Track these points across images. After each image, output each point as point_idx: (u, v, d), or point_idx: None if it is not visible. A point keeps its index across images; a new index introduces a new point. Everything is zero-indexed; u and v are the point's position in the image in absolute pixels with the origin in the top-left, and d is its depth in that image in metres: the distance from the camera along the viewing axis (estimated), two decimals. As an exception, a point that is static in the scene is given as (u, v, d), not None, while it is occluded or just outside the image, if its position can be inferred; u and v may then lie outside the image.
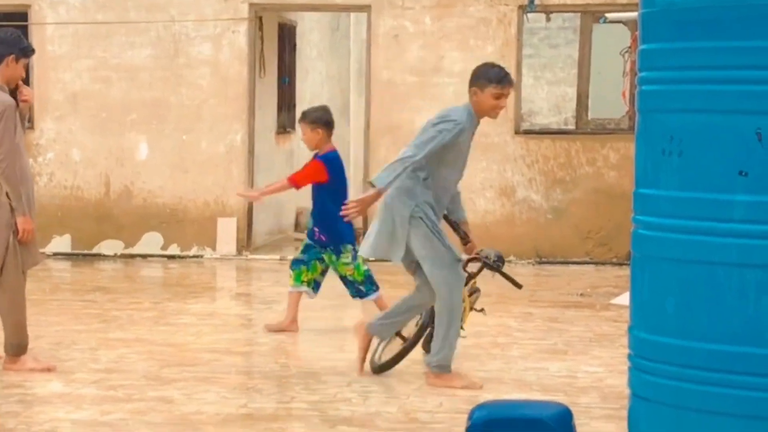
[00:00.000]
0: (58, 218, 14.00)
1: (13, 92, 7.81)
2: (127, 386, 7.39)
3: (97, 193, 13.99)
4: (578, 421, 5.18)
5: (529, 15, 13.72)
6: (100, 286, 11.71)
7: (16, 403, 6.97)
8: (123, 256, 13.84)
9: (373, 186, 7.29)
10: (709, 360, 4.70)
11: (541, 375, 7.82)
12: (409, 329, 7.94)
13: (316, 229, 9.32)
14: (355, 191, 18.04)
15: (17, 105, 7.67)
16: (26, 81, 14.22)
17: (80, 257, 13.80)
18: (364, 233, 8.02)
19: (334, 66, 18.45)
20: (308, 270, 9.34)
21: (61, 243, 13.99)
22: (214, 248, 13.87)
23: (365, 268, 9.33)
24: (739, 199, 4.59)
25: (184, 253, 13.88)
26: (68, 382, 7.49)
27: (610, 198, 13.35)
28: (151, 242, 13.91)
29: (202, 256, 13.78)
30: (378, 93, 13.79)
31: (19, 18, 14.10)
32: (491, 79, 7.50)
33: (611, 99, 14.23)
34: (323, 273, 9.41)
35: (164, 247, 13.92)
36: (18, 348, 7.75)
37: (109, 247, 13.93)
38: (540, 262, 13.59)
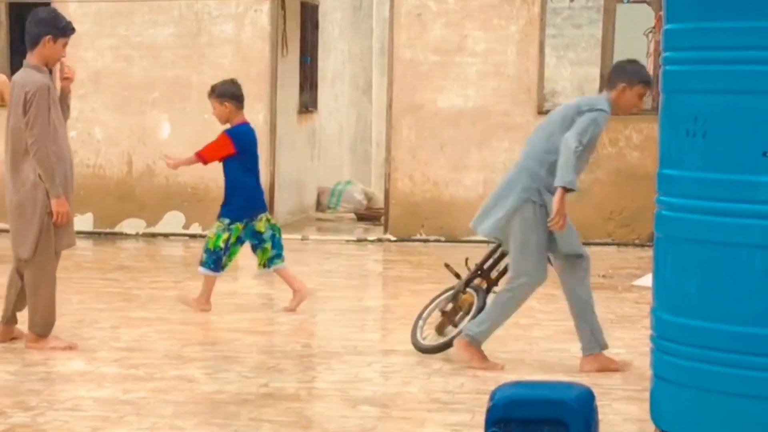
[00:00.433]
0: (80, 197, 13.95)
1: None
2: (149, 365, 7.40)
3: (120, 171, 14.02)
4: (600, 402, 5.18)
5: (553, -6, 13.65)
6: (122, 265, 11.74)
7: (38, 381, 6.99)
8: (145, 235, 13.86)
9: (569, 190, 7.15)
10: (732, 341, 4.68)
11: (563, 356, 7.80)
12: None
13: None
14: (376, 170, 18.05)
15: (52, 85, 7.64)
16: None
17: (102, 236, 13.83)
18: None
19: (356, 45, 18.42)
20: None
21: (84, 221, 14.01)
22: (235, 227, 13.86)
23: (220, 245, 9.15)
24: (763, 180, 4.56)
25: (206, 233, 13.83)
26: (90, 361, 7.51)
27: (633, 179, 13.30)
28: (172, 221, 13.93)
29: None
30: (400, 72, 13.75)
31: (42, -4, 14.11)
32: (642, 78, 7.43)
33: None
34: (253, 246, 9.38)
35: (186, 226, 13.93)
36: (43, 328, 7.75)
37: (131, 225, 13.95)
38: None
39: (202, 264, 9.19)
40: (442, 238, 13.66)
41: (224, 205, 9.25)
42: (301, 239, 13.74)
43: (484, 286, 7.81)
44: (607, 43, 13.76)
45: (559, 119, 7.42)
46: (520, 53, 13.57)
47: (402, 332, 8.61)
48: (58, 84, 7.89)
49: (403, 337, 8.38)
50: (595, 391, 5.12)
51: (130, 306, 9.38)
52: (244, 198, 9.19)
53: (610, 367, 7.34)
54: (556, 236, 7.33)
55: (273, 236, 9.34)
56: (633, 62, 7.62)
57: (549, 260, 7.53)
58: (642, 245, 13.08)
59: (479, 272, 7.88)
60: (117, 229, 13.96)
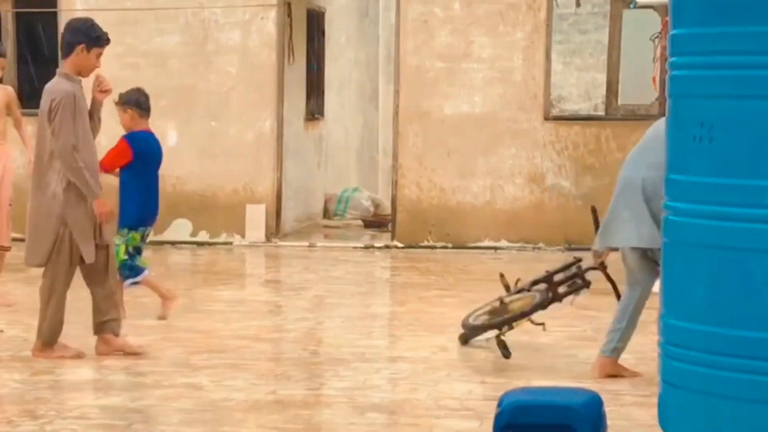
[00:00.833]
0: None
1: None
2: (157, 373, 7.40)
3: (127, 179, 14.01)
4: (608, 408, 5.17)
5: (559, 0, 13.66)
6: (130, 273, 11.73)
7: (46, 389, 7.00)
8: (152, 242, 13.83)
9: None
10: (740, 347, 4.67)
11: (570, 362, 7.80)
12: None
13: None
14: (383, 177, 18.05)
15: (80, 94, 7.59)
16: (55, 67, 14.30)
17: (110, 244, 13.83)
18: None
19: (362, 52, 18.43)
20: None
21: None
22: (243, 235, 13.89)
23: (124, 258, 9.03)
24: (770, 184, 4.55)
25: (213, 240, 13.90)
26: (98, 369, 7.51)
27: (640, 184, 13.26)
28: (180, 229, 13.93)
29: (231, 243, 13.80)
30: (407, 79, 13.76)
31: (49, 4, 14.14)
32: None
33: (641, 85, 14.15)
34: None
35: (193, 234, 13.94)
36: (49, 336, 7.75)
37: (138, 233, 13.94)
38: (569, 249, 13.53)
39: (125, 278, 9.09)
40: (450, 245, 13.66)
41: (119, 215, 9.12)
42: (309, 246, 13.75)
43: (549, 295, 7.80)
44: (614, 49, 13.76)
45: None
46: (527, 59, 13.57)
47: (410, 339, 8.63)
48: (91, 95, 7.85)
49: (411, 344, 8.40)
50: (603, 396, 5.11)
51: (138, 314, 9.37)
52: (137, 207, 9.11)
53: (622, 374, 7.33)
54: None
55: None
56: None
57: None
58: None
59: (548, 279, 7.87)
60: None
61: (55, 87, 7.62)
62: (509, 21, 13.57)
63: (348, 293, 10.67)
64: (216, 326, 8.95)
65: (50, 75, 15.03)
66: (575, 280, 7.88)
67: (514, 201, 13.67)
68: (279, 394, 6.92)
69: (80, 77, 7.74)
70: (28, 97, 14.91)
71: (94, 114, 7.84)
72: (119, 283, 9.04)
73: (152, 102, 13.84)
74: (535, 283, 7.95)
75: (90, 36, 7.68)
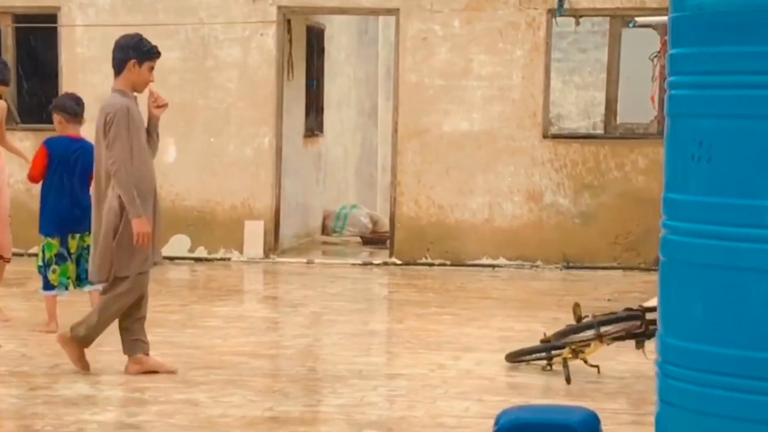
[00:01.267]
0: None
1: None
2: (153, 388, 7.39)
3: (125, 195, 14.02)
4: (605, 426, 5.17)
5: (558, 19, 13.69)
6: (128, 288, 11.72)
7: (42, 404, 6.99)
8: (150, 258, 13.85)
9: None
10: (738, 366, 4.66)
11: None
12: None
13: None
14: (381, 194, 18.07)
15: (135, 108, 7.61)
16: (55, 83, 14.34)
17: (108, 259, 13.82)
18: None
19: (362, 69, 18.46)
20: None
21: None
22: (241, 251, 13.88)
23: (40, 263, 9.15)
24: (769, 204, 4.56)
25: (212, 256, 13.90)
26: (94, 384, 7.51)
27: (639, 203, 13.30)
28: (178, 245, 13.93)
29: (229, 259, 13.80)
30: (406, 96, 13.78)
31: (49, 20, 14.17)
32: None
33: (640, 103, 14.17)
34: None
35: (191, 250, 13.94)
36: (83, 340, 7.71)
37: (136, 249, 13.94)
38: (567, 267, 13.55)
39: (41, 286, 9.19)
40: (448, 262, 13.66)
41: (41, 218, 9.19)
42: (307, 263, 13.74)
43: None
44: (613, 68, 13.79)
45: None
46: (526, 77, 13.60)
47: (407, 356, 8.62)
48: (147, 111, 7.86)
49: (409, 361, 8.40)
50: (601, 415, 5.11)
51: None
52: (49, 213, 9.11)
53: None
54: None
55: (80, 257, 9.16)
56: None
57: None
58: (647, 269, 13.07)
59: (638, 312, 7.82)
60: (122, 253, 13.94)
61: (109, 103, 7.64)
62: (509, 39, 13.59)
63: (346, 310, 10.67)
64: (213, 342, 8.95)
65: (50, 90, 15.16)
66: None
67: (512, 219, 13.67)
68: (276, 411, 6.92)
69: (135, 93, 7.70)
70: (28, 112, 14.96)
71: (151, 131, 7.84)
72: (47, 297, 9.12)
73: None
74: (630, 315, 7.87)
75: (140, 51, 7.68)
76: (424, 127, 13.72)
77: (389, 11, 13.98)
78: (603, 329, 7.82)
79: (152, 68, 7.77)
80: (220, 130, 13.94)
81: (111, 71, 14.16)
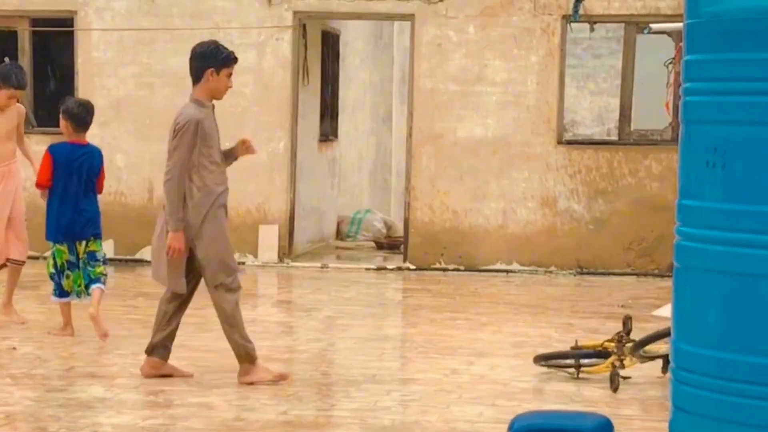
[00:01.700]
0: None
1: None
2: (168, 392, 7.42)
3: (141, 199, 14.08)
4: (619, 432, 5.17)
5: (573, 25, 13.70)
6: (143, 292, 11.76)
7: (58, 407, 7.02)
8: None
9: None
10: (751, 373, 4.67)
11: (581, 386, 7.79)
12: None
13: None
14: (396, 199, 18.08)
15: (212, 119, 7.62)
16: (71, 87, 14.38)
17: (123, 263, 13.87)
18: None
19: (377, 74, 18.48)
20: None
21: (104, 248, 14.04)
22: (255, 255, 13.91)
23: (52, 270, 9.12)
24: (782, 211, 4.57)
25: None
26: (110, 387, 7.53)
27: (653, 209, 13.30)
28: (193, 248, 13.94)
29: (243, 263, 13.81)
30: (420, 102, 13.80)
31: (65, 24, 14.22)
32: None
33: (654, 110, 14.18)
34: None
35: (206, 254, 13.95)
36: (244, 357, 7.70)
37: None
38: (581, 273, 13.55)
39: (53, 294, 9.21)
40: (462, 267, 13.67)
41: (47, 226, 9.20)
42: (321, 267, 13.76)
43: None
44: (627, 74, 13.79)
45: None
46: (540, 83, 13.61)
47: (421, 361, 8.63)
48: (235, 148, 7.88)
49: (422, 366, 8.41)
50: (614, 421, 5.12)
51: (150, 333, 9.38)
52: (53, 220, 9.10)
53: None
54: None
55: (86, 263, 9.13)
56: None
57: None
58: (661, 275, 13.07)
59: None
60: (138, 256, 13.99)
61: (182, 112, 7.61)
62: (523, 45, 13.61)
63: (360, 315, 10.68)
64: (228, 346, 8.95)
65: (66, 94, 15.17)
66: None
67: (526, 224, 13.68)
68: (290, 415, 6.94)
69: (213, 101, 7.68)
70: (44, 115, 15.00)
71: (230, 158, 7.85)
72: (61, 303, 9.16)
73: (167, 122, 13.94)
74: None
75: (218, 58, 7.65)
76: (439, 133, 13.73)
77: (404, 17, 14.00)
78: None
79: (230, 74, 7.72)
80: (235, 135, 13.90)
81: (127, 75, 14.31)
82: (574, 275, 13.49)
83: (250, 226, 13.93)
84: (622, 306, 11.23)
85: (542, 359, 8.11)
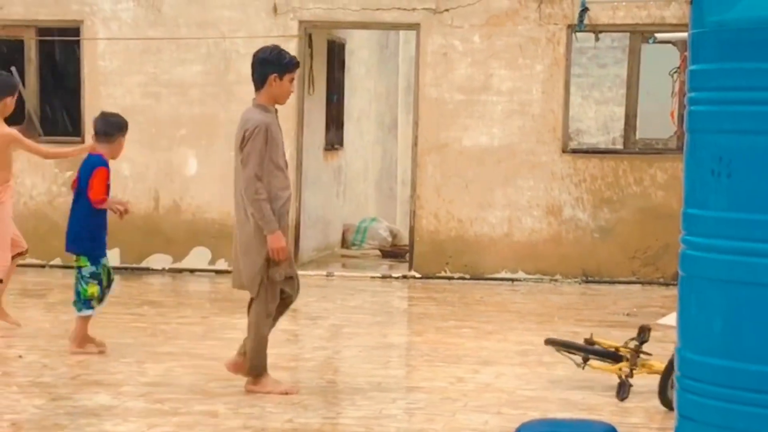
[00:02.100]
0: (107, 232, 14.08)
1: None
2: (174, 400, 7.44)
3: (147, 207, 14.10)
4: (624, 440, 5.18)
5: (578, 34, 13.72)
6: (149, 300, 11.79)
7: (64, 415, 7.04)
8: (171, 270, 13.93)
9: None
10: (757, 381, 4.68)
11: (586, 394, 7.81)
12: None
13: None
14: (401, 208, 18.10)
15: (276, 124, 7.59)
16: (77, 96, 14.41)
17: (129, 271, 13.90)
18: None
19: (382, 83, 18.50)
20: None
21: (110, 257, 14.03)
22: (261, 264, 13.92)
23: (91, 289, 8.92)
24: (788, 220, 4.58)
25: (232, 268, 13.92)
26: (115, 395, 7.55)
27: (658, 218, 13.31)
28: (199, 257, 13.99)
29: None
30: (426, 111, 13.82)
31: (72, 33, 14.26)
32: None
33: (659, 119, 14.19)
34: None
35: (212, 262, 14.00)
36: (258, 369, 7.71)
37: (157, 261, 14.03)
38: (586, 281, 13.56)
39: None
40: (467, 276, 13.69)
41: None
42: (326, 275, 13.78)
43: None
44: (633, 83, 13.81)
45: None
46: (546, 92, 13.63)
47: (426, 369, 8.64)
48: None
49: (428, 374, 8.42)
50: (620, 429, 5.13)
51: (157, 341, 9.42)
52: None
53: None
54: None
55: (77, 281, 9.04)
56: None
57: None
58: (666, 284, 13.07)
59: None
60: (143, 265, 14.03)
61: (248, 117, 7.59)
62: (528, 54, 13.63)
63: (365, 323, 10.69)
64: (233, 354, 8.97)
65: (72, 103, 15.17)
66: None
67: (531, 233, 13.69)
68: (295, 423, 6.95)
69: (276, 106, 7.72)
70: (51, 124, 15.05)
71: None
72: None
73: (173, 131, 14.05)
74: None
75: (280, 63, 7.63)
76: (444, 142, 13.75)
77: (410, 26, 14.03)
78: None
79: (293, 80, 7.73)
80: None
81: (133, 84, 14.33)
82: (580, 284, 13.50)
83: (255, 235, 13.93)
84: (628, 314, 11.24)
85: (554, 343, 8.12)
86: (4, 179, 9.74)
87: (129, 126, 9.17)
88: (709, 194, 4.81)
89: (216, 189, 14.00)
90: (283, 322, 10.94)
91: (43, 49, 14.59)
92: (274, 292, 7.67)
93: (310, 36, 14.45)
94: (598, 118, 19.07)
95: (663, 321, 10.70)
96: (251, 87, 13.92)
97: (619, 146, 15.17)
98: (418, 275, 13.78)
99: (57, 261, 14.09)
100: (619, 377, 7.73)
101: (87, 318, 8.90)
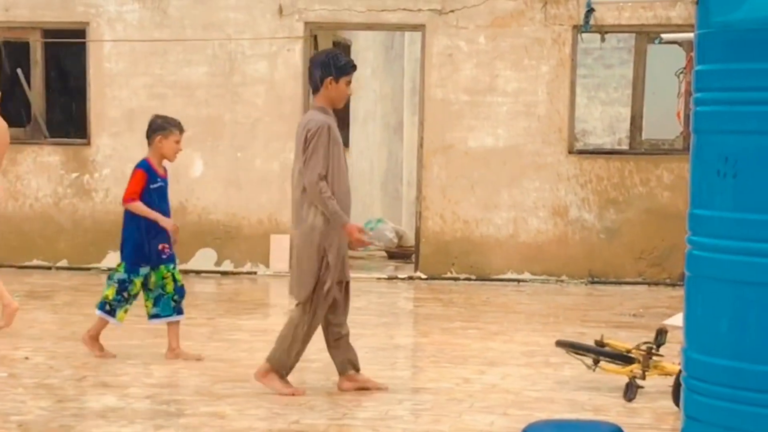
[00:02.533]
0: (113, 234, 14.09)
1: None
2: (180, 401, 7.44)
3: (152, 209, 14.08)
4: (630, 441, 5.18)
5: (584, 35, 13.71)
6: (154, 302, 11.78)
7: (70, 416, 7.04)
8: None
9: None
10: (763, 381, 4.67)
11: (593, 395, 7.80)
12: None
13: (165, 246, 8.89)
14: (407, 209, 18.10)
15: (334, 125, 7.59)
16: (83, 98, 14.43)
17: (134, 273, 13.89)
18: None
19: (387, 84, 18.50)
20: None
21: (116, 258, 14.07)
22: (267, 265, 13.94)
23: (109, 291, 8.86)
24: (794, 220, 4.57)
25: (238, 270, 13.95)
26: (122, 397, 7.55)
27: (664, 218, 13.30)
28: (205, 258, 14.00)
29: (255, 273, 13.85)
30: (431, 112, 13.82)
31: (77, 35, 14.27)
32: None
33: (665, 119, 14.18)
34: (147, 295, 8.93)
35: (218, 264, 14.00)
36: (279, 363, 7.69)
37: (163, 262, 14.00)
38: (592, 282, 13.55)
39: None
40: (473, 277, 13.68)
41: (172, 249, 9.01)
42: (332, 277, 13.77)
43: None
44: (638, 84, 13.80)
45: None
46: (551, 93, 13.63)
47: (433, 370, 8.64)
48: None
49: (434, 375, 8.41)
50: (626, 429, 5.12)
51: (163, 342, 9.41)
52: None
53: None
54: None
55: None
56: None
57: None
58: (673, 284, 13.07)
59: None
60: (149, 266, 14.02)
61: (309, 118, 7.62)
62: (534, 55, 13.63)
63: (371, 324, 10.69)
64: (239, 355, 8.99)
65: (78, 105, 15.17)
66: None
67: (537, 234, 13.69)
68: (302, 424, 6.95)
69: (335, 107, 7.73)
70: (57, 126, 15.06)
71: None
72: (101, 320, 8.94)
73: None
74: None
75: (336, 67, 7.65)
76: (450, 143, 13.75)
77: (415, 27, 14.03)
78: None
79: (349, 82, 7.74)
80: (246, 145, 14.01)
81: (139, 86, 14.35)
82: (586, 284, 13.49)
83: (261, 236, 13.96)
84: (634, 315, 11.23)
85: (564, 345, 8.11)
86: None
87: (175, 126, 9.10)
88: (715, 194, 4.81)
89: (221, 190, 14.01)
90: (289, 324, 10.96)
91: (48, 51, 14.60)
92: (323, 297, 7.61)
93: (315, 37, 14.45)
94: (604, 119, 19.05)
95: (669, 321, 10.68)
96: (257, 88, 14.03)
97: (625, 147, 15.17)
98: (423, 276, 13.78)
99: (63, 263, 14.10)
100: (629, 378, 7.72)
101: (103, 321, 8.85)
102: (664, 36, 12.71)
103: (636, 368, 7.76)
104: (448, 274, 13.75)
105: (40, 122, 14.36)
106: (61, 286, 12.74)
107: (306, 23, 13.94)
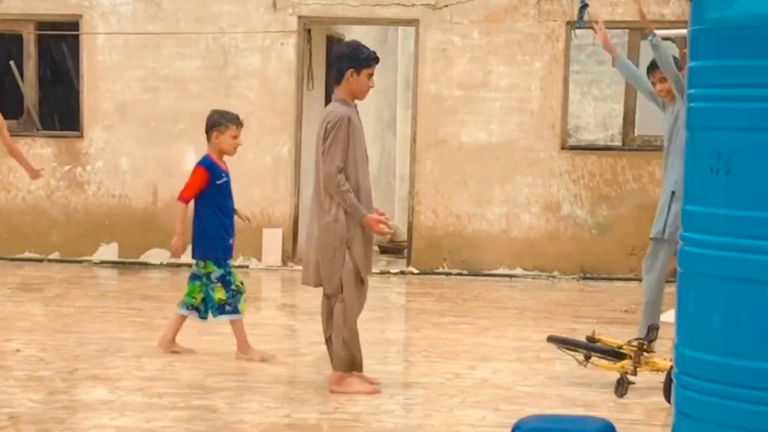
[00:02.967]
0: (105, 226, 14.11)
1: None
2: (172, 394, 7.44)
3: (145, 202, 14.10)
4: (621, 437, 5.18)
5: (577, 31, 13.68)
6: (147, 295, 11.79)
7: (61, 409, 7.03)
8: (169, 265, 13.93)
9: None
10: (755, 378, 4.68)
11: (584, 390, 7.81)
12: None
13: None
14: (399, 204, 18.10)
15: (356, 118, 7.56)
16: (76, 90, 14.42)
17: (127, 265, 13.90)
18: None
19: (381, 79, 18.46)
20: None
21: (109, 251, 14.10)
22: (259, 259, 13.94)
23: (219, 294, 8.71)
24: (786, 217, 4.58)
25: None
26: (113, 389, 7.55)
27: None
28: (196, 252, 13.97)
29: (247, 267, 13.85)
30: (425, 107, 13.83)
31: (70, 27, 14.25)
32: None
33: (658, 116, 14.18)
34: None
35: (210, 257, 13.98)
36: (346, 363, 7.63)
37: (155, 255, 14.02)
38: (584, 278, 13.57)
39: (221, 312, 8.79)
40: (465, 272, 13.69)
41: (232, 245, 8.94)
42: (324, 271, 13.77)
43: None
44: (631, 80, 13.78)
45: None
46: (544, 89, 13.63)
47: (424, 365, 8.65)
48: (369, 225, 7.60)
49: (425, 370, 8.42)
50: (617, 425, 5.13)
51: (155, 335, 9.40)
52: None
53: None
54: None
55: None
56: None
57: None
58: (665, 281, 13.07)
59: None
60: (142, 259, 14.03)
61: (330, 111, 7.61)
62: (527, 50, 13.63)
63: (363, 318, 10.61)
64: (231, 349, 8.98)
65: (71, 97, 15.19)
66: None
67: (529, 229, 13.70)
68: (293, 418, 6.95)
69: (356, 99, 7.70)
70: (50, 118, 15.04)
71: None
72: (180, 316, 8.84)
73: (171, 125, 14.05)
74: None
75: (357, 59, 7.63)
76: (443, 138, 13.76)
77: (409, 22, 14.03)
78: None
79: (371, 75, 7.71)
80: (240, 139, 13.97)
81: (132, 79, 14.33)
82: (578, 280, 13.50)
83: (254, 230, 13.92)
84: (625, 311, 11.25)
85: (556, 340, 8.11)
86: None
87: (231, 121, 9.09)
88: (707, 191, 4.81)
89: (214, 184, 13.98)
90: (281, 317, 10.99)
91: (42, 44, 14.58)
92: (358, 284, 7.55)
93: (309, 31, 14.45)
94: (597, 115, 19.06)
95: (661, 318, 10.69)
96: (251, 82, 14.02)
97: (618, 143, 15.18)
98: (416, 271, 13.79)
99: (55, 255, 14.10)
100: (620, 374, 7.73)
101: (239, 322, 8.71)
102: (657, 32, 12.72)
103: (627, 364, 7.77)
104: (440, 269, 13.76)
105: (32, 115, 14.35)
106: (53, 279, 12.73)
107: (300, 17, 13.94)
